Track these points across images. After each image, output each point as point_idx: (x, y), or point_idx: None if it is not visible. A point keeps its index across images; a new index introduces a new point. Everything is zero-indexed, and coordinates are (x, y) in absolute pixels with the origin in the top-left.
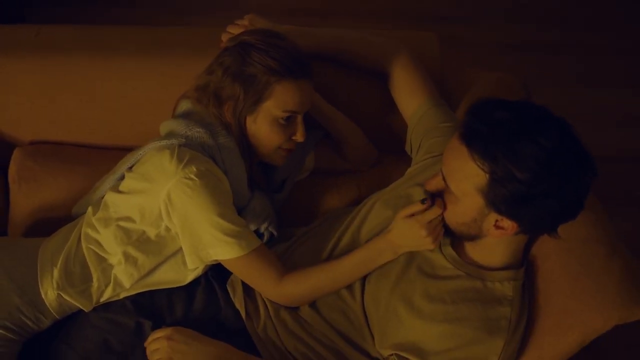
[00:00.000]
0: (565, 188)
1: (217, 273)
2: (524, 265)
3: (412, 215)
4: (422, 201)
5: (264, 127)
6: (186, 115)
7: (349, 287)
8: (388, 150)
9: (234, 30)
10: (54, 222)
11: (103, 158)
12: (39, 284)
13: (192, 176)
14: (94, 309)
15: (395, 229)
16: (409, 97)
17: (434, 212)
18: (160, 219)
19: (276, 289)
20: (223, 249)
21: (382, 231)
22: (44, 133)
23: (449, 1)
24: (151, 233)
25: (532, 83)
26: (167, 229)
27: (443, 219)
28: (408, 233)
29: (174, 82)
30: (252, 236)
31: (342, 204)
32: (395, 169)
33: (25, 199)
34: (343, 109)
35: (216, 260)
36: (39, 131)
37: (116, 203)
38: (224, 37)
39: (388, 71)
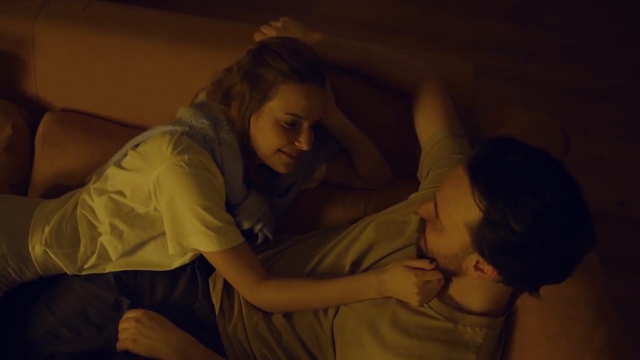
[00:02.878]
0: (557, 250)
1: (203, 264)
2: (505, 314)
3: (415, 268)
4: (431, 261)
5: (266, 127)
6: (200, 106)
7: None
8: (404, 173)
9: (267, 31)
10: (69, 189)
11: (125, 134)
12: (29, 237)
13: (183, 163)
14: (79, 278)
15: (392, 272)
16: (428, 122)
17: (434, 274)
18: (149, 199)
19: (254, 290)
20: (202, 240)
21: (366, 254)
22: (75, 102)
23: (521, 35)
24: (140, 210)
25: (584, 132)
26: (157, 210)
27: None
28: (401, 281)
29: (206, 72)
30: (234, 234)
31: (346, 219)
32: (406, 193)
33: (47, 162)
34: (364, 127)
35: (196, 250)
36: (71, 100)
37: (115, 177)
38: (257, 37)
39: (413, 93)
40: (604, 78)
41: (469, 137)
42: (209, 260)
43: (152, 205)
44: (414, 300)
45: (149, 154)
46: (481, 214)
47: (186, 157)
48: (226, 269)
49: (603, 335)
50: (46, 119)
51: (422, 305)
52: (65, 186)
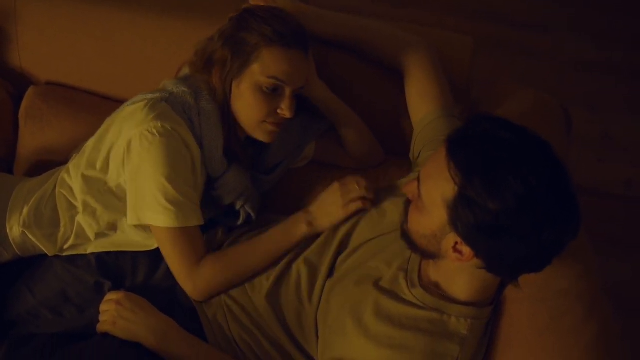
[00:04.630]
0: (536, 236)
1: None
2: (492, 305)
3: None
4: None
5: (247, 93)
6: (183, 79)
7: (310, 289)
8: (396, 153)
9: (257, 1)
10: (53, 165)
11: (110, 109)
12: (7, 217)
13: (154, 131)
14: (60, 258)
15: (319, 198)
16: (420, 102)
17: (360, 182)
18: (120, 166)
19: (191, 274)
20: (158, 214)
21: (351, 234)
22: (60, 75)
23: (529, 7)
24: (112, 183)
25: (590, 107)
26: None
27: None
28: (328, 200)
29: (192, 45)
30: (193, 214)
31: None
32: (398, 174)
33: (30, 137)
34: (355, 105)
35: (150, 224)
36: (56, 73)
37: (86, 150)
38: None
39: (405, 70)
40: (613, 53)
41: (464, 116)
42: (155, 236)
43: (123, 175)
44: (339, 212)
45: (126, 118)
46: (456, 188)
47: (159, 124)
48: (170, 248)
49: (593, 329)
50: (29, 93)
51: (404, 270)
52: (50, 162)
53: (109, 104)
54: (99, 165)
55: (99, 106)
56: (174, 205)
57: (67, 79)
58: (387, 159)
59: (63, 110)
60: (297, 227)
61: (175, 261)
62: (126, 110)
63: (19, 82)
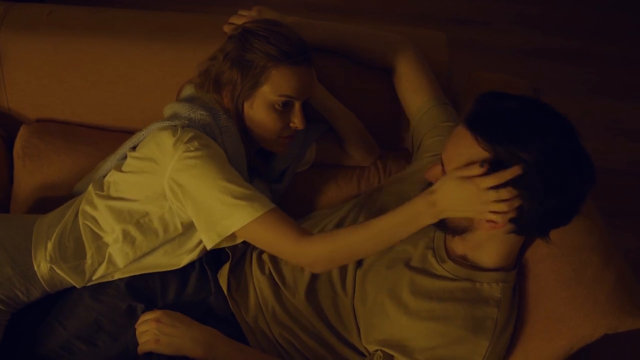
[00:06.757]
0: (563, 188)
1: (211, 260)
2: (516, 267)
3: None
4: (481, 164)
5: (260, 112)
6: (189, 100)
7: (343, 280)
8: (391, 147)
9: (238, 21)
10: (55, 200)
11: (107, 139)
12: (33, 256)
13: (193, 149)
14: (88, 289)
15: (443, 191)
16: (413, 94)
17: (494, 178)
18: (163, 199)
19: (299, 248)
20: (237, 215)
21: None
22: (50, 111)
23: (468, 4)
24: (154, 215)
25: (545, 90)
26: (170, 211)
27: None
28: (458, 197)
29: (182, 68)
30: (264, 198)
31: (340, 198)
32: (397, 166)
33: (29, 176)
34: (348, 104)
35: (233, 233)
36: (46, 109)
37: (118, 182)
38: (226, 28)
39: (394, 67)
40: (553, 40)
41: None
42: (247, 238)
43: (166, 207)
44: (482, 214)
45: (154, 152)
46: (489, 156)
47: (196, 143)
48: (265, 236)
49: (614, 275)
50: (23, 132)
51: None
52: (52, 198)
53: (105, 133)
54: (137, 198)
55: (95, 137)
56: (244, 199)
57: (57, 114)
58: (385, 154)
59: (61, 145)
60: (421, 221)
61: (277, 245)
62: (151, 143)
63: (8, 124)
